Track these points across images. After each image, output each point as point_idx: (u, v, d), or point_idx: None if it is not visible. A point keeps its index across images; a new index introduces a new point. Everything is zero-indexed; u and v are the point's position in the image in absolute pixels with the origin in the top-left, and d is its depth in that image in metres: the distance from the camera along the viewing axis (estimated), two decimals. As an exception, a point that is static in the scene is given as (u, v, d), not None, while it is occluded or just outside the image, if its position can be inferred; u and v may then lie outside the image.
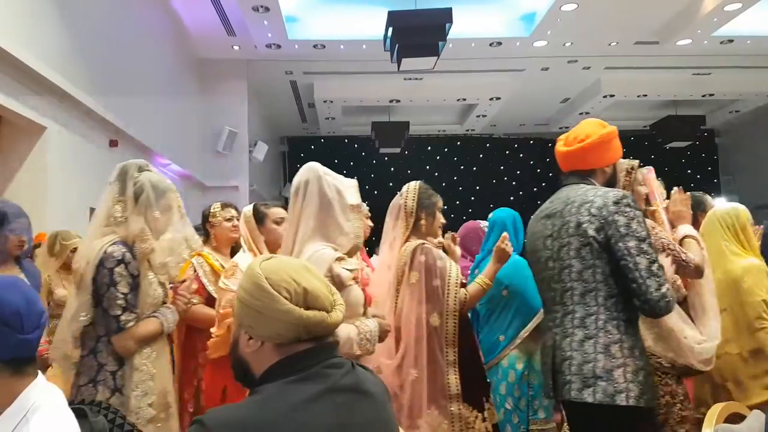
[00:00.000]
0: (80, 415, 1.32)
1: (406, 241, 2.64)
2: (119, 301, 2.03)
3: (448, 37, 5.96)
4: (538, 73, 8.65)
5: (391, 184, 11.73)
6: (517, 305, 2.99)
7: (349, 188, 2.17)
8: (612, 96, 9.24)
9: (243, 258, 2.67)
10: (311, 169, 2.15)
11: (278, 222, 2.76)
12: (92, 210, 4.75)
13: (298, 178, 2.14)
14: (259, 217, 2.77)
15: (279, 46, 7.42)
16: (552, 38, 7.34)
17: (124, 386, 2.04)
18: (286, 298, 1.15)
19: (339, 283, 1.88)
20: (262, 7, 6.28)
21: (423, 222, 2.66)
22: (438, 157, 11.69)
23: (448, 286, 2.51)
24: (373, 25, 6.78)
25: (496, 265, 2.64)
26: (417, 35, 5.80)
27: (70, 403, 1.32)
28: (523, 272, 2.74)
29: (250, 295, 1.17)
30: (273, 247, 2.72)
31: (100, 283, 2.03)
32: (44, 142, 4.17)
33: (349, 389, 1.16)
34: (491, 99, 9.35)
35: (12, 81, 3.71)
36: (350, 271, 1.99)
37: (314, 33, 7.28)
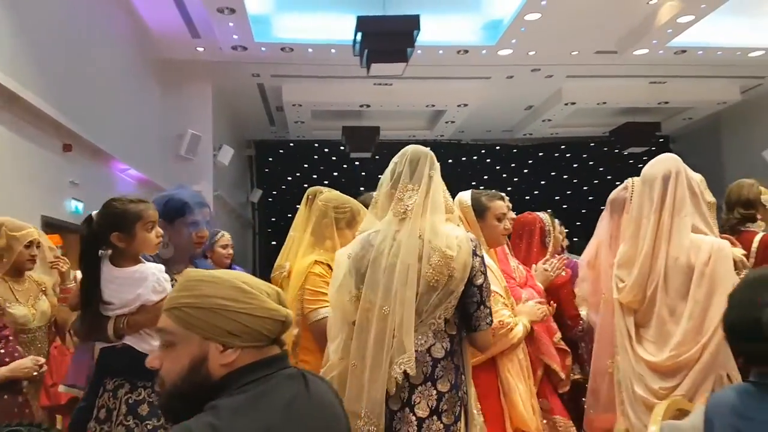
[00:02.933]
0: None
1: None
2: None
3: (416, 43, 6.06)
4: (503, 80, 8.82)
5: (362, 188, 11.69)
6: None
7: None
8: (573, 104, 9.51)
9: None
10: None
11: (500, 218, 2.56)
12: (44, 218, 4.72)
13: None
14: (479, 210, 2.54)
15: (245, 48, 7.37)
16: (516, 47, 7.51)
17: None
18: (268, 298, 1.20)
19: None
20: (227, 8, 6.23)
21: None
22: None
23: None
24: (341, 30, 6.82)
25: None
26: (386, 41, 5.87)
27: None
28: None
29: (233, 301, 1.16)
30: (493, 244, 2.56)
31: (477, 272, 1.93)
32: (-9, 147, 4.01)
33: (314, 400, 1.19)
34: (459, 105, 9.49)
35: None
36: None
37: (282, 36, 7.27)
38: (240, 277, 1.23)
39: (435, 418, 1.84)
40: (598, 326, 2.65)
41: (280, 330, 1.21)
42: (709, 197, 2.59)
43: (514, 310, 2.48)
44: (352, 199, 2.69)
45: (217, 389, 1.15)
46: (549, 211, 3.29)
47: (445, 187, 2.13)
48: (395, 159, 2.08)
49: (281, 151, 11.63)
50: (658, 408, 1.78)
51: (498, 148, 11.85)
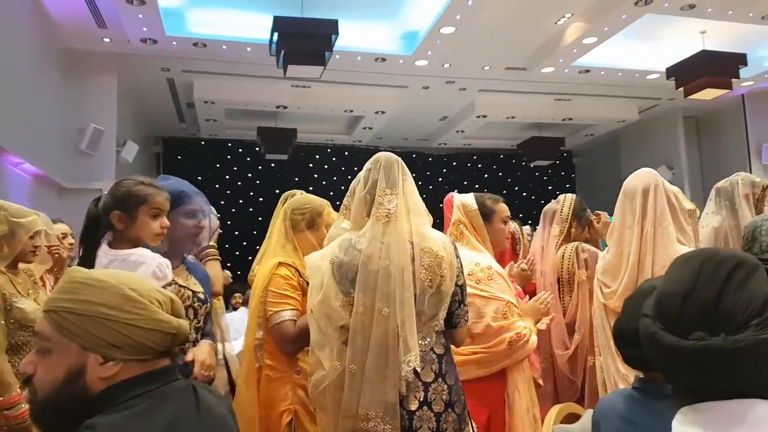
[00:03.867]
0: None
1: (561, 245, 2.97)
2: None
3: (335, 48, 6.04)
4: (419, 90, 8.98)
5: (277, 191, 11.42)
6: None
7: None
8: (484, 116, 9.81)
9: (483, 258, 2.42)
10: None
11: (505, 221, 2.56)
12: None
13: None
14: (485, 213, 2.53)
15: (155, 42, 7.06)
16: (432, 58, 7.67)
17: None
18: (159, 308, 1.12)
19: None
20: (137, -1, 5.97)
21: (573, 230, 3.05)
22: (326, 166, 11.69)
23: None
24: (258, 28, 6.68)
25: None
26: (303, 43, 5.81)
27: None
28: None
29: (116, 310, 1.07)
30: (498, 247, 2.53)
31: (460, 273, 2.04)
32: None
33: (203, 414, 1.13)
34: (377, 112, 9.55)
35: None
36: None
37: (195, 30, 7.01)
38: (131, 282, 1.12)
39: (450, 410, 1.92)
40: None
41: (170, 342, 1.13)
42: (689, 205, 2.78)
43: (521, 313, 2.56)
44: (316, 199, 2.67)
45: (96, 404, 1.05)
46: (517, 220, 3.43)
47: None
48: (368, 165, 2.10)
49: (191, 149, 11.19)
50: (551, 413, 1.86)
51: (414, 155, 12.05)
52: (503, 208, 2.65)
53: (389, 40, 7.48)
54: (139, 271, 1.80)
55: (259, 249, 2.78)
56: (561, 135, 11.21)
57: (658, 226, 2.37)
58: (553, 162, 11.44)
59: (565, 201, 3.13)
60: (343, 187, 11.54)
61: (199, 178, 11.06)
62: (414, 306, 1.90)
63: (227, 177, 11.06)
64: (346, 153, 11.66)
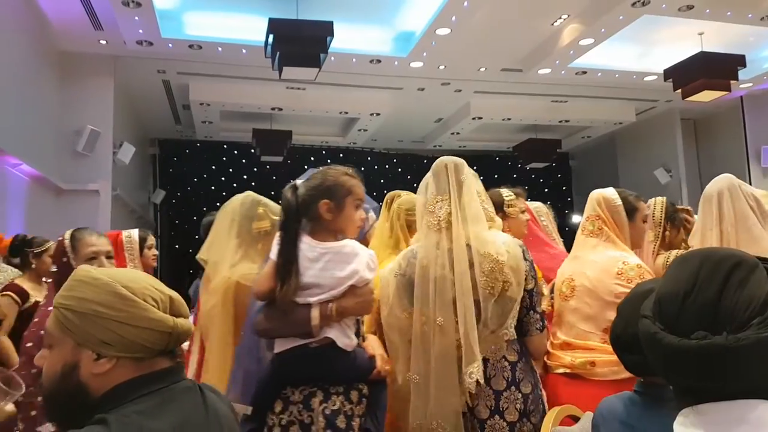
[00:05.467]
0: None
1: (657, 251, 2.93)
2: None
3: (330, 50, 6.03)
4: (414, 92, 8.97)
5: (272, 192, 11.42)
6: None
7: None
8: (480, 118, 9.81)
9: (630, 256, 2.32)
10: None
11: (645, 220, 2.52)
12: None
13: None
14: (628, 210, 2.41)
15: (151, 44, 7.05)
16: (427, 60, 7.66)
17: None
18: (153, 306, 1.11)
19: None
20: (133, 1, 5.94)
21: (668, 233, 2.99)
22: (321, 168, 11.63)
23: None
24: (253, 30, 6.67)
25: None
26: (298, 45, 5.80)
27: None
28: None
29: (108, 308, 1.08)
30: (636, 246, 2.51)
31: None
32: None
33: (211, 414, 1.14)
34: (372, 114, 9.54)
35: None
36: None
37: (191, 32, 7.01)
38: (126, 280, 1.12)
39: (525, 420, 1.85)
40: None
41: (165, 341, 1.11)
42: None
43: None
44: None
45: (98, 406, 1.05)
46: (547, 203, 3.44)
47: (486, 196, 2.16)
48: (427, 174, 2.12)
49: (187, 151, 11.17)
50: (549, 414, 1.84)
51: (409, 157, 12.05)
52: (644, 207, 2.55)
53: (384, 42, 7.48)
54: (354, 262, 1.76)
55: None
56: (557, 137, 11.20)
57: (740, 228, 2.41)
58: (549, 164, 11.44)
59: (656, 205, 3.06)
60: (338, 190, 11.74)
61: (195, 179, 11.07)
62: (473, 313, 1.84)
63: (223, 179, 11.04)
64: (341, 155, 11.63)
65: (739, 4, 6.31)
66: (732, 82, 7.10)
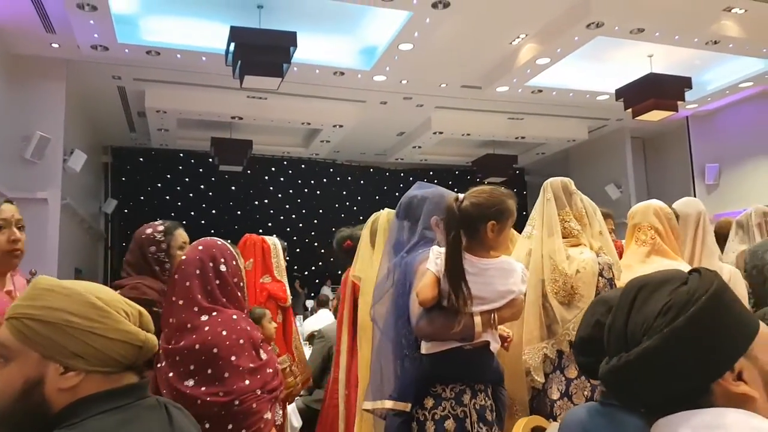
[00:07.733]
0: None
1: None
2: None
3: (293, 60, 6.01)
4: (377, 105, 9.02)
5: (231, 203, 11.32)
6: None
7: None
8: (441, 133, 9.95)
9: (685, 267, 2.34)
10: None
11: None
12: None
13: None
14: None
15: (106, 49, 6.86)
16: (390, 74, 7.72)
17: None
18: (125, 319, 1.07)
19: None
20: (88, 5, 5.77)
21: None
22: (282, 179, 11.52)
23: None
24: (214, 38, 6.59)
25: None
26: (261, 54, 5.77)
27: None
28: None
29: (83, 318, 1.02)
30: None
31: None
32: None
33: (177, 430, 1.09)
34: (335, 126, 9.54)
35: None
36: None
37: (149, 38, 6.86)
38: (97, 291, 1.07)
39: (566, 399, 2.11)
40: None
41: (135, 356, 1.07)
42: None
43: None
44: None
45: (58, 419, 0.99)
46: None
47: (571, 215, 2.46)
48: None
49: (141, 159, 10.90)
50: (517, 425, 1.86)
51: (371, 170, 12.08)
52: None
53: (348, 55, 7.50)
54: (513, 277, 1.93)
55: None
56: (514, 153, 11.46)
57: (704, 248, 2.72)
58: (506, 179, 11.65)
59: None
60: (299, 200, 11.64)
61: (149, 188, 10.81)
62: (539, 326, 2.15)
63: (178, 188, 10.81)
64: (303, 166, 11.55)
65: (686, 29, 6.61)
66: (679, 102, 7.44)
